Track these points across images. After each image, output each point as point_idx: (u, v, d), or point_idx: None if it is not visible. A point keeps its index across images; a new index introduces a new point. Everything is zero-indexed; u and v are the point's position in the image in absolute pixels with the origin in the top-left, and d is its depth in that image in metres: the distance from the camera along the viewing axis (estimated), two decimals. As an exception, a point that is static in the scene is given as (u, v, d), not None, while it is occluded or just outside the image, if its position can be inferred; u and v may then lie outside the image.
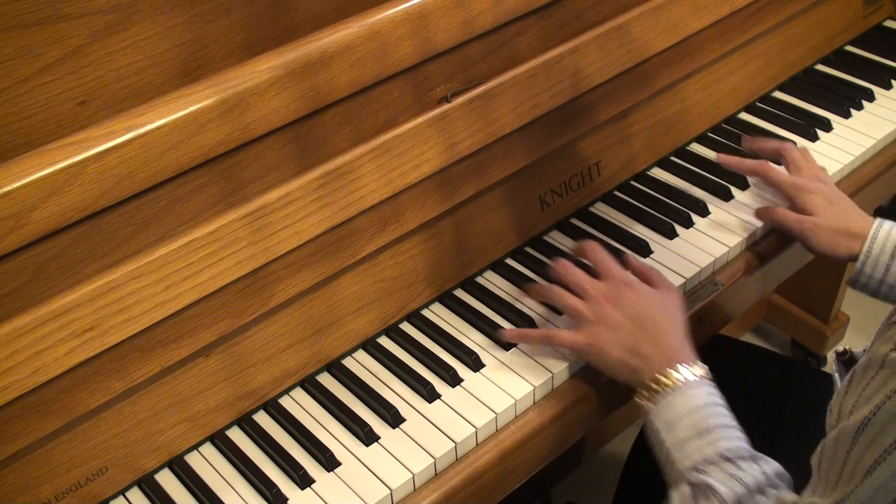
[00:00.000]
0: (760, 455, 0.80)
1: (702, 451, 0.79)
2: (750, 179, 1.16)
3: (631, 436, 1.15)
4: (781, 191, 1.08)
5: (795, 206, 1.06)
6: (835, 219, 1.02)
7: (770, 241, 1.10)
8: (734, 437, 0.81)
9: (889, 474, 0.57)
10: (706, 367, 0.87)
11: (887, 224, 1.01)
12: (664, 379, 0.85)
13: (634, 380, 0.88)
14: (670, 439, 0.82)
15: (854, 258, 1.01)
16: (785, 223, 1.05)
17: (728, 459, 0.78)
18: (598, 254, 0.98)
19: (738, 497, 0.74)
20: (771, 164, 1.12)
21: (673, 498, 0.79)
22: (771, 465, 0.79)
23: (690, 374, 0.85)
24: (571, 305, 0.93)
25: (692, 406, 0.83)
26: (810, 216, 1.04)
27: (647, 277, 0.96)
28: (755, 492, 0.75)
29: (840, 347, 1.04)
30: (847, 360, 1.03)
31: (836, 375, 1.04)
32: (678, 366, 0.85)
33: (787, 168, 1.12)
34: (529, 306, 1.00)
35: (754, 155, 1.17)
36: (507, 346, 0.95)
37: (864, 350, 0.75)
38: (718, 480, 0.76)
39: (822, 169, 1.13)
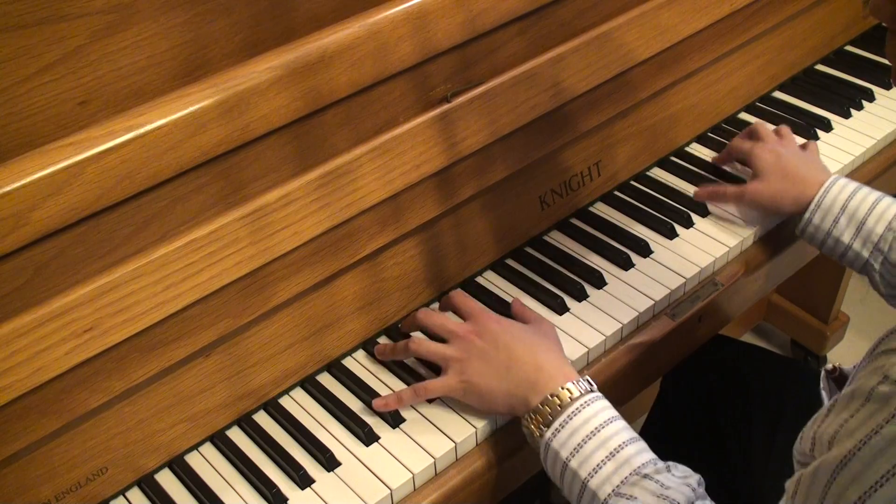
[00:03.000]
0: (671, 463, 0.77)
1: (619, 473, 0.76)
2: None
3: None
4: (741, 157, 1.14)
5: (750, 168, 1.11)
6: (782, 173, 1.05)
7: (769, 241, 1.10)
8: (643, 449, 0.78)
9: None
10: (590, 379, 0.83)
11: (844, 178, 1.02)
12: (555, 399, 0.80)
13: (517, 407, 0.83)
14: (578, 463, 0.77)
15: (800, 210, 1.02)
16: (727, 196, 1.10)
17: (647, 476, 0.75)
18: (460, 298, 0.95)
19: None
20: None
21: None
22: (685, 472, 0.77)
23: (581, 390, 0.81)
24: (436, 350, 0.88)
25: (595, 424, 0.78)
26: (753, 180, 1.08)
27: (522, 317, 0.93)
28: None
29: (829, 365, 0.99)
30: (837, 378, 0.98)
31: (824, 393, 1.00)
32: (567, 383, 0.81)
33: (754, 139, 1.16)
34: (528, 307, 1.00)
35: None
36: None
37: (854, 367, 0.70)
38: None
39: (807, 142, 1.16)
